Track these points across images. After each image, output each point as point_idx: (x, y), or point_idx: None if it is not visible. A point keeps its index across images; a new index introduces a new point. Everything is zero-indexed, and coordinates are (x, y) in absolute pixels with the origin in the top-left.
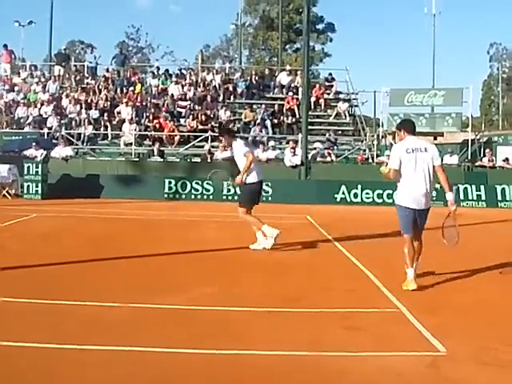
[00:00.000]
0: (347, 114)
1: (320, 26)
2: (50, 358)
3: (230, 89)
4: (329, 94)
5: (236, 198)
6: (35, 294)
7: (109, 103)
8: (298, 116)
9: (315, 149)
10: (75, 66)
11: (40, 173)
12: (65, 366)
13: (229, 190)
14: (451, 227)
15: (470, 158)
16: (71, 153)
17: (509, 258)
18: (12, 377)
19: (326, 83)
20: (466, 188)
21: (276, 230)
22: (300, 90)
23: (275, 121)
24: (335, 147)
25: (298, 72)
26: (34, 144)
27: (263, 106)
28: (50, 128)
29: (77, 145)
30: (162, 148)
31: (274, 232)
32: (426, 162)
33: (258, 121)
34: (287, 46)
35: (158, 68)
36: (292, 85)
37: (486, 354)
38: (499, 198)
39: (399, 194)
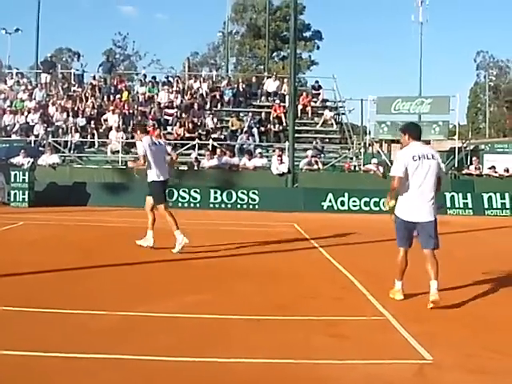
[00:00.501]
0: (334, 122)
1: (307, 34)
2: (36, 367)
3: (217, 97)
4: (316, 101)
5: (223, 205)
6: (21, 302)
7: (95, 111)
8: (284, 124)
9: (307, 156)
10: (62, 73)
11: (27, 180)
12: (51, 374)
13: (216, 198)
14: None
15: (456, 165)
16: (58, 160)
17: (494, 265)
18: None
19: (313, 91)
20: (452, 196)
21: (186, 240)
22: (287, 97)
23: (262, 129)
24: (322, 155)
25: (285, 80)
26: (21, 152)
27: (250, 113)
28: (36, 136)
29: (63, 152)
30: None
31: (183, 240)
32: (431, 172)
33: (245, 129)
34: (274, 54)
35: (145, 76)
36: (279, 93)
37: (471, 362)
38: (486, 205)
39: (399, 204)
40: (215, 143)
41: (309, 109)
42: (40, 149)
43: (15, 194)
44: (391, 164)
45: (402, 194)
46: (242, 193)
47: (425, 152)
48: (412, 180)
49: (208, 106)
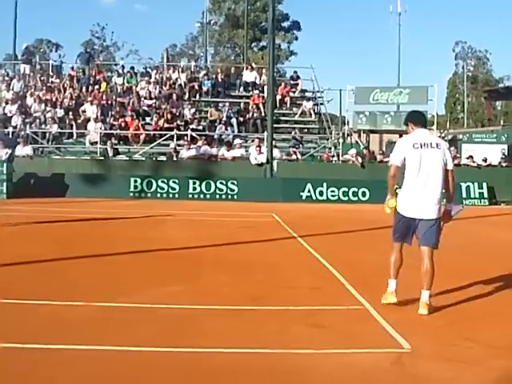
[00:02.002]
0: (313, 112)
1: (285, 24)
2: (13, 358)
3: (196, 87)
4: (294, 92)
5: (202, 196)
6: (0, 294)
7: (74, 102)
8: (263, 114)
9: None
10: (40, 64)
11: (5, 172)
12: (28, 365)
13: (194, 189)
14: None
15: None
16: (30, 152)
17: (473, 256)
18: None
19: (292, 81)
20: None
21: None
22: (266, 88)
23: (241, 119)
24: (301, 145)
25: (264, 70)
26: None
27: (228, 103)
28: (14, 127)
29: (42, 143)
30: (120, 146)
31: None
32: (435, 163)
33: (224, 119)
34: (253, 44)
35: (123, 66)
36: (257, 83)
37: (449, 351)
38: (464, 195)
39: (400, 197)
40: (194, 133)
41: (287, 99)
42: (18, 140)
43: None
44: (369, 154)
45: (403, 187)
46: (221, 183)
47: (428, 140)
48: (413, 171)
49: (187, 97)
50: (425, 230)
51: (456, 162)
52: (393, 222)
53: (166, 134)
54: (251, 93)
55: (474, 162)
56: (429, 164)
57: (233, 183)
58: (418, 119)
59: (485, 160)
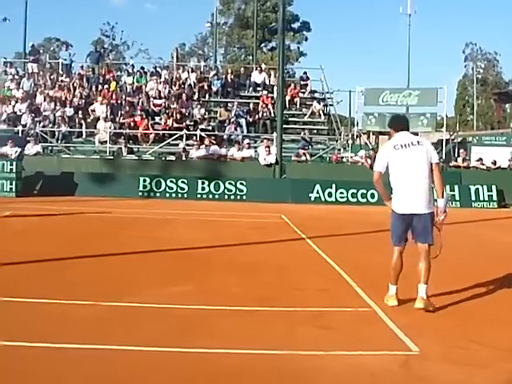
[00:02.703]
0: (322, 114)
1: (295, 25)
2: (19, 357)
3: (205, 87)
4: (304, 92)
5: (210, 196)
6: (6, 292)
7: (83, 101)
8: (272, 115)
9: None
10: (50, 63)
11: (14, 170)
12: (35, 364)
13: (203, 189)
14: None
15: (444, 158)
16: (40, 150)
17: (481, 258)
18: None
19: (301, 82)
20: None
21: None
22: (275, 88)
23: (250, 119)
24: (310, 146)
25: (273, 71)
26: (9, 141)
27: (237, 104)
28: (24, 125)
29: (51, 142)
30: (131, 146)
31: None
32: (419, 158)
33: (233, 119)
34: (262, 45)
35: (133, 66)
36: (267, 84)
37: (457, 353)
38: (473, 198)
39: (394, 198)
40: (203, 134)
41: (297, 100)
42: (27, 138)
43: (2, 183)
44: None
45: (393, 187)
46: (230, 183)
47: (409, 140)
48: (400, 170)
49: (196, 97)
50: (420, 227)
51: (465, 164)
52: (390, 226)
53: (175, 134)
54: (260, 93)
55: (483, 164)
56: (413, 161)
57: (242, 184)
58: (399, 124)
59: (494, 163)
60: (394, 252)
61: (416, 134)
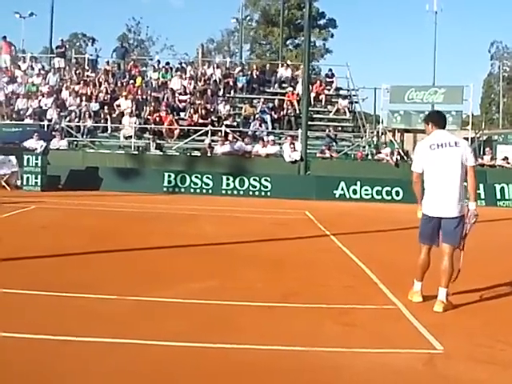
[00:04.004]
0: (347, 111)
1: (321, 22)
2: (48, 350)
3: (231, 83)
4: (329, 89)
5: (235, 192)
6: (34, 286)
7: (109, 96)
8: (297, 111)
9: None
10: (76, 58)
11: (40, 165)
12: (63, 357)
13: (228, 185)
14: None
15: None
16: (65, 145)
17: (506, 257)
18: (9, 368)
19: (327, 79)
20: (464, 186)
21: None
22: (300, 85)
23: (275, 116)
24: (335, 143)
25: (299, 67)
26: (34, 135)
27: (262, 100)
28: (49, 120)
29: (76, 137)
30: (159, 141)
31: None
32: (453, 160)
33: (258, 115)
34: (288, 42)
35: (159, 61)
36: (292, 80)
37: (481, 352)
38: (498, 196)
39: (425, 198)
40: (228, 130)
41: (322, 97)
42: (53, 133)
43: (28, 177)
44: (403, 153)
45: (426, 188)
46: (255, 180)
47: (446, 140)
48: (433, 171)
49: (221, 93)
50: (448, 229)
51: (491, 163)
52: (419, 224)
53: (200, 130)
54: (286, 90)
55: (508, 163)
56: (447, 162)
57: (266, 180)
58: (438, 120)
59: None
60: (420, 250)
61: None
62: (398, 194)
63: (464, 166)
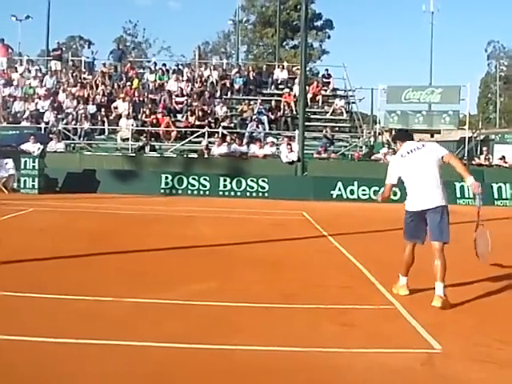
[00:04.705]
0: (344, 111)
1: (318, 23)
2: (47, 352)
3: (227, 85)
4: (326, 90)
5: (232, 193)
6: (32, 288)
7: (106, 98)
8: (294, 112)
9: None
10: (72, 60)
11: (37, 167)
12: (62, 359)
13: (225, 186)
14: (483, 235)
15: (466, 155)
16: (63, 147)
17: (503, 257)
18: (8, 371)
19: (323, 80)
20: (462, 186)
21: None
22: (297, 86)
23: (272, 117)
24: (331, 144)
25: (295, 69)
26: (31, 138)
27: (259, 101)
28: (46, 123)
29: (73, 139)
30: (154, 143)
31: None
32: (424, 158)
33: (255, 117)
34: (285, 43)
35: (156, 63)
36: (289, 81)
37: (479, 352)
38: (496, 196)
39: (408, 199)
40: (225, 131)
41: (319, 97)
42: (50, 136)
43: (25, 180)
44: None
45: (408, 190)
46: (252, 181)
47: (414, 146)
48: (409, 173)
49: (218, 94)
50: (433, 224)
51: (488, 162)
52: (403, 223)
53: (197, 131)
54: (282, 91)
55: (505, 162)
56: (420, 163)
57: (263, 181)
58: (403, 137)
59: None
60: (405, 246)
61: (438, 131)
62: (395, 194)
63: (437, 162)
